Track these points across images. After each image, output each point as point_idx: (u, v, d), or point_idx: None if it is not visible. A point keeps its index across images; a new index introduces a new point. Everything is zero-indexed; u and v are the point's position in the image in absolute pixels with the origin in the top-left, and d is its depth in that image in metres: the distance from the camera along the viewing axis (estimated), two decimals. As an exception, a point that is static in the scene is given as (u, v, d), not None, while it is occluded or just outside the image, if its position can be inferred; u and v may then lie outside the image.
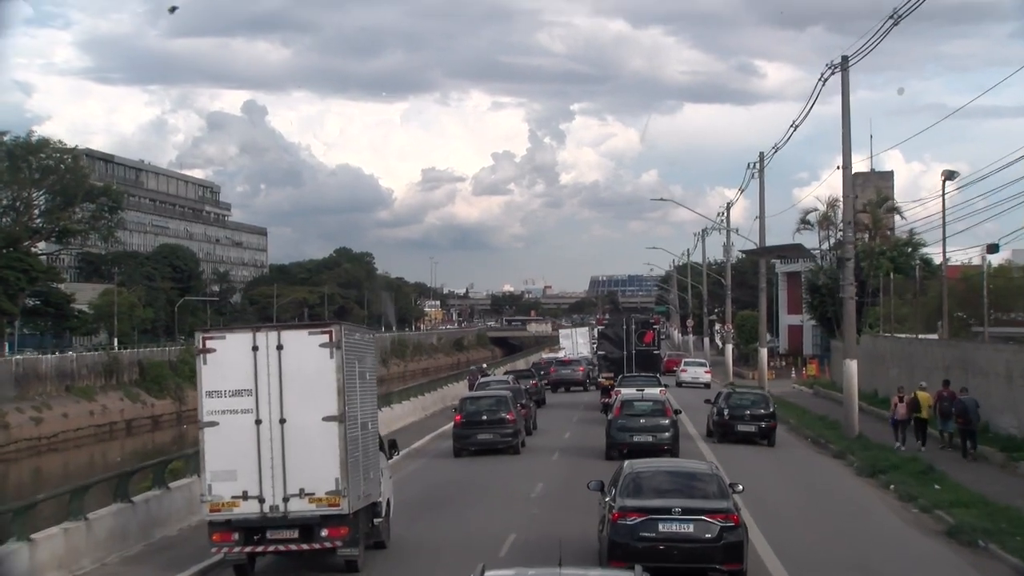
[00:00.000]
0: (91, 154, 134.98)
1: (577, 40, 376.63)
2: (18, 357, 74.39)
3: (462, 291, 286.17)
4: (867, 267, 61.07)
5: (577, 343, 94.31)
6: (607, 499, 18.76)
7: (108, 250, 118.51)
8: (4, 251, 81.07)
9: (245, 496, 17.39)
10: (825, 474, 30.65)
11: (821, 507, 24.67)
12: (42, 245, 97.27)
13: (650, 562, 16.00)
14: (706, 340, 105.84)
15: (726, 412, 37.57)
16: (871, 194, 70.28)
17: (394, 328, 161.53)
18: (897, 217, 68.03)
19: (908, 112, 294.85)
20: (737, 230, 73.58)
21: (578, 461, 30.99)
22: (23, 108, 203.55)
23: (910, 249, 62.83)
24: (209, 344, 17.74)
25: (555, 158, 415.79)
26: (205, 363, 17.72)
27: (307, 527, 17.60)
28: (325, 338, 17.68)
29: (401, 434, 39.32)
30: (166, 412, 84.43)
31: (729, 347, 78.59)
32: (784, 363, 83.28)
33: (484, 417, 34.68)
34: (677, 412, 35.10)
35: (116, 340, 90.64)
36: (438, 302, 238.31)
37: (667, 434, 32.62)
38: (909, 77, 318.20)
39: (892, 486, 26.54)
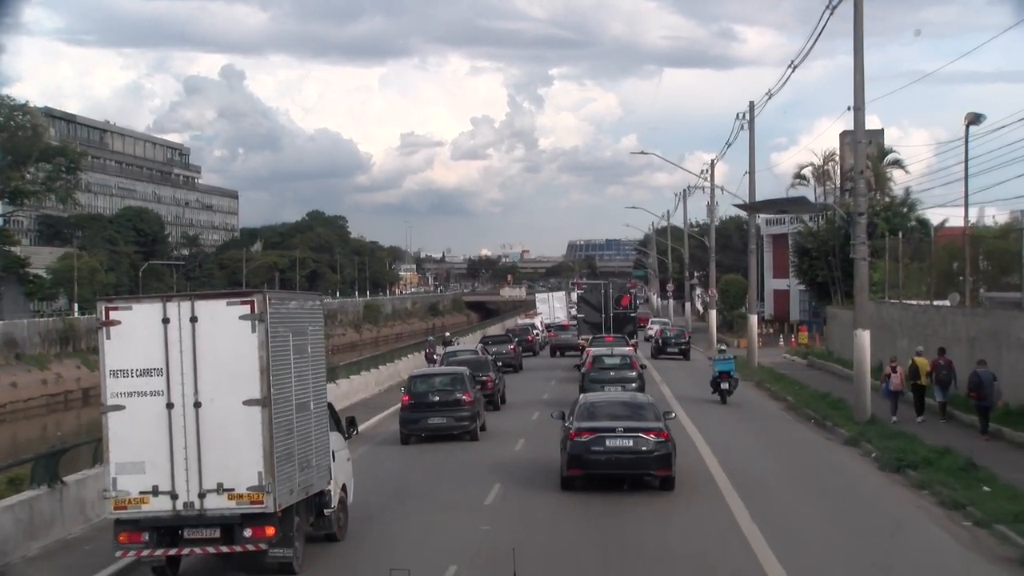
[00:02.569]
0: (51, 113, 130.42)
1: (556, 4, 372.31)
2: (-40, 325, 70.41)
3: (439, 255, 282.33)
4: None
5: (554, 307, 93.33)
6: (566, 423, 22.97)
7: (70, 213, 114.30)
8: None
9: (155, 491, 15.10)
10: (841, 469, 25.29)
11: (845, 520, 19.31)
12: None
13: (600, 470, 21.84)
14: (687, 305, 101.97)
15: (660, 341, 64.15)
16: (868, 149, 66.53)
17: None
18: (899, 173, 63.45)
19: (887, 78, 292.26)
20: (723, 189, 69.61)
21: (545, 451, 25.88)
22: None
23: (906, 209, 59.09)
24: (113, 316, 15.30)
25: (534, 123, 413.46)
26: (108, 337, 15.25)
27: (227, 527, 15.27)
28: (246, 309, 15.16)
29: (346, 414, 35.51)
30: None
31: (713, 313, 74.73)
32: (771, 330, 79.29)
33: (436, 398, 30.39)
34: (643, 366, 39.26)
35: (76, 306, 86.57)
36: (414, 266, 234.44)
37: (634, 385, 35.58)
38: (888, 43, 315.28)
39: (928, 489, 21.52)
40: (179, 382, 15.11)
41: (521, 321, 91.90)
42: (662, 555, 17.07)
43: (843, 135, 70.39)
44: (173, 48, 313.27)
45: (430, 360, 50.22)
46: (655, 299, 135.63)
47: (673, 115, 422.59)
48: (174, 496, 15.07)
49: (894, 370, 31.74)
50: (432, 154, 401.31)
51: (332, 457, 17.70)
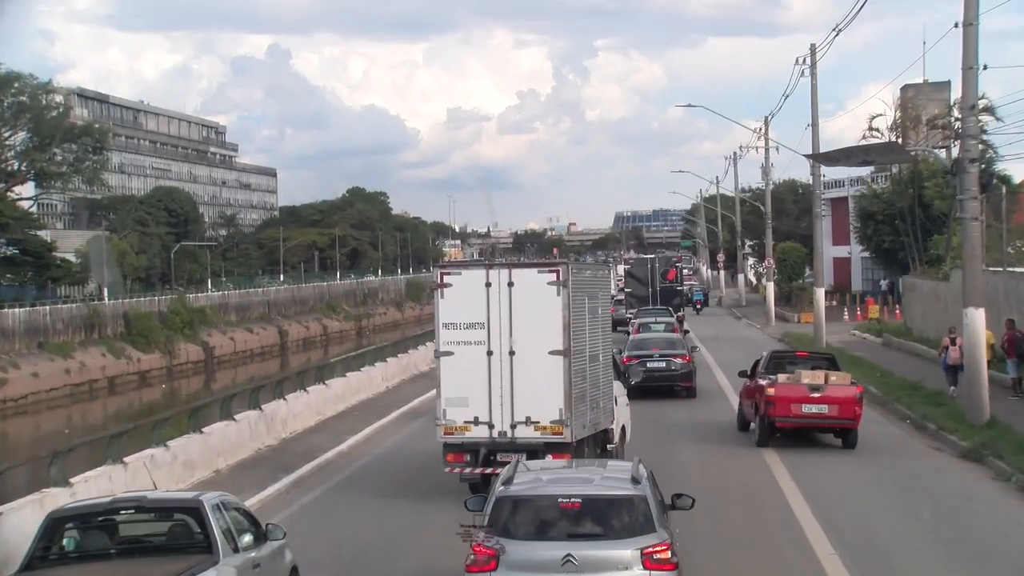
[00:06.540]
0: (83, 94, 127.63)
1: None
2: (-23, 313, 67.02)
3: (484, 230, 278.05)
4: (932, 186, 52.78)
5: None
6: (621, 354, 28.95)
7: (103, 195, 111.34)
8: (-30, 195, 73.33)
9: (476, 421, 18.52)
10: (976, 507, 18.54)
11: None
12: (25, 190, 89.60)
13: (643, 383, 28.97)
14: (740, 276, 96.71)
15: (694, 298, 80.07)
16: (932, 109, 61.26)
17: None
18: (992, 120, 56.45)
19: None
20: (778, 147, 64.07)
21: None
22: (46, 56, 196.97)
23: (983, 165, 53.51)
24: (447, 279, 18.67)
25: (580, 95, 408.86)
26: (442, 297, 18.63)
27: (533, 452, 17.76)
28: (552, 276, 18.31)
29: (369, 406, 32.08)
30: (154, 367, 77.54)
31: (770, 286, 69.09)
32: (834, 302, 71.64)
33: None
34: (685, 332, 43.71)
35: (105, 290, 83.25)
36: (458, 241, 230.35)
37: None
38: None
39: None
40: (497, 334, 18.33)
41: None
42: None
43: (904, 88, 65.40)
44: (219, 30, 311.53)
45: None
46: (704, 270, 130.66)
47: (719, 84, 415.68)
48: (491, 426, 18.50)
49: (953, 342, 30.02)
50: (479, 128, 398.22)
51: (615, 402, 20.89)
